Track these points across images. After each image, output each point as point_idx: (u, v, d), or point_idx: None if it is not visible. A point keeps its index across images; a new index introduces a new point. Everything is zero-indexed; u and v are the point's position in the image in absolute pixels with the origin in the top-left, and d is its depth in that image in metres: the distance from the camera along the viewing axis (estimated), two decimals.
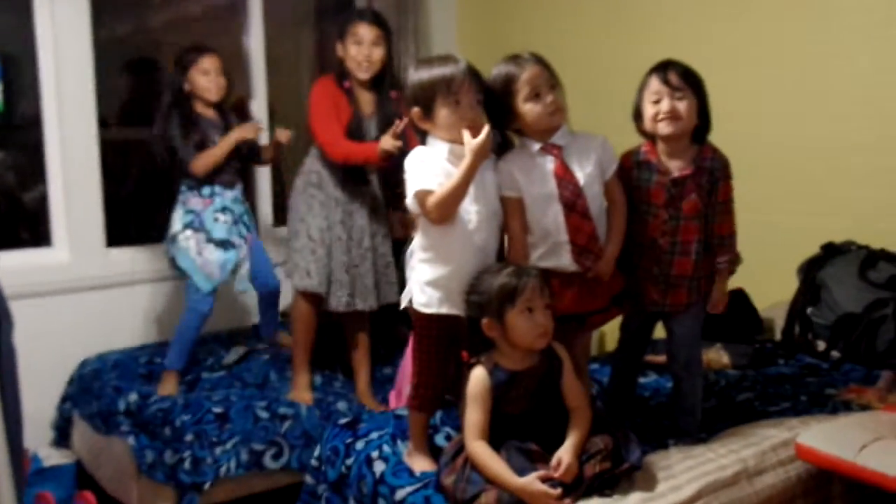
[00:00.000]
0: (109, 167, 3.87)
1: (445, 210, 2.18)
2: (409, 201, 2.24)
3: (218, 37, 4.46)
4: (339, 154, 3.27)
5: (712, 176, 2.38)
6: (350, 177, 3.37)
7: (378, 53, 3.30)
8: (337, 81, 3.33)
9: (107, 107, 3.93)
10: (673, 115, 2.35)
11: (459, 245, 2.23)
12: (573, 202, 2.27)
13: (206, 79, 3.41)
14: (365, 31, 3.26)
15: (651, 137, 2.44)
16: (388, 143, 3.10)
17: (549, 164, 2.29)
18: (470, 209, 2.23)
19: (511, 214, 2.34)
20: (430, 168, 2.21)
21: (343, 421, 2.65)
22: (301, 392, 3.36)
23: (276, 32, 4.36)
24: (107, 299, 3.81)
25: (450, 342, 2.31)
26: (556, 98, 2.29)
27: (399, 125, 3.08)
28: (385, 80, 3.37)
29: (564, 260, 2.30)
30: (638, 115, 2.44)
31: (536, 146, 2.31)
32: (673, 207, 2.38)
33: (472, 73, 2.24)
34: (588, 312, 2.37)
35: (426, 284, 2.27)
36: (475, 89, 2.23)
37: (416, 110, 2.26)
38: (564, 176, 2.28)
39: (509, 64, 2.31)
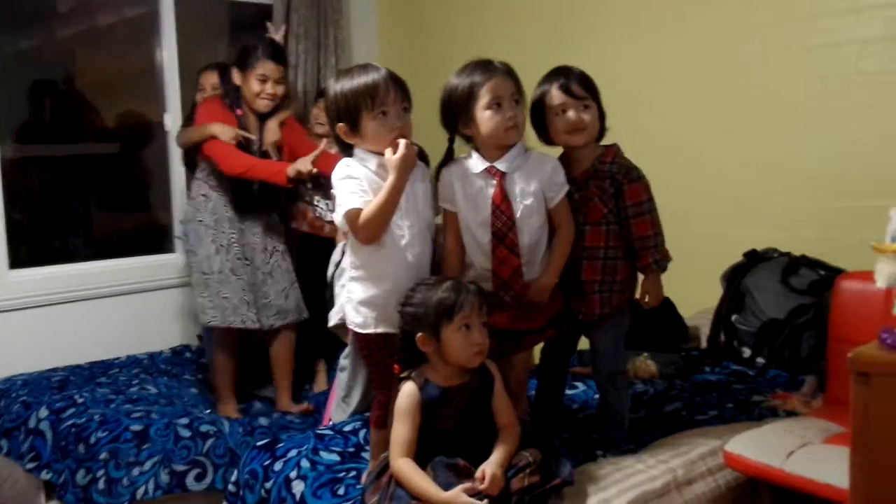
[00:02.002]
0: (10, 187, 3.71)
1: (375, 229, 2.09)
2: (338, 220, 2.14)
3: (131, 50, 4.35)
4: (237, 167, 3.25)
5: (614, 179, 2.32)
6: (240, 197, 3.37)
7: (280, 90, 3.37)
8: (227, 105, 3.36)
9: (12, 123, 3.78)
10: (581, 126, 2.32)
11: (393, 262, 2.14)
12: (504, 234, 2.20)
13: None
14: (271, 70, 3.31)
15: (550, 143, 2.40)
16: (305, 165, 3.10)
17: (490, 188, 2.22)
18: (402, 224, 2.14)
19: (447, 228, 2.28)
20: (358, 184, 2.11)
21: (261, 442, 2.55)
22: (227, 408, 3.35)
23: (191, 45, 4.24)
24: (9, 323, 3.64)
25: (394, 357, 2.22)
26: (516, 114, 2.20)
27: (319, 149, 3.14)
28: (275, 111, 3.42)
29: (488, 287, 2.23)
30: (541, 125, 2.38)
31: (481, 167, 2.23)
32: (578, 213, 2.32)
33: (395, 80, 2.14)
34: (523, 332, 2.31)
35: (360, 304, 2.19)
36: (400, 97, 2.14)
37: (341, 126, 2.15)
38: (501, 205, 2.20)
39: (477, 68, 2.22)
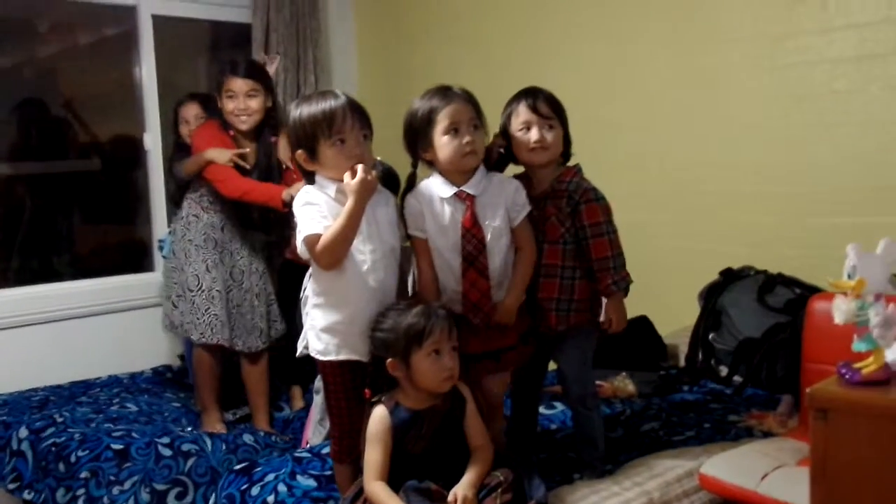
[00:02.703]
0: None
1: (334, 255, 2.08)
2: (299, 246, 2.14)
3: (110, 67, 4.34)
4: (236, 190, 3.26)
5: (571, 199, 2.33)
6: (237, 218, 3.38)
7: (255, 104, 3.32)
8: (221, 127, 3.36)
9: None
10: (544, 145, 2.33)
11: (354, 288, 2.13)
12: (475, 257, 2.21)
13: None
14: (238, 85, 3.30)
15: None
16: (297, 190, 3.09)
17: (459, 213, 2.22)
18: (363, 249, 2.13)
19: (419, 254, 2.28)
20: (318, 210, 2.11)
21: (238, 467, 2.55)
22: (212, 421, 3.35)
23: (170, 63, 4.24)
24: None
25: (360, 385, 2.20)
26: (474, 139, 2.20)
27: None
28: (265, 128, 3.39)
29: (458, 309, 2.24)
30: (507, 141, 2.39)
31: (449, 192, 2.23)
32: (538, 231, 2.33)
33: (354, 108, 2.14)
34: (499, 350, 2.30)
35: (321, 331, 2.18)
36: (359, 124, 2.13)
37: (300, 153, 2.15)
38: (472, 228, 2.21)
39: (436, 94, 2.23)
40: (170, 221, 4.14)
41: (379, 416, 2.09)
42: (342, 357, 2.16)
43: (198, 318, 3.32)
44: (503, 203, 2.24)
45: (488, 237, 2.21)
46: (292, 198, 3.12)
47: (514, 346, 2.32)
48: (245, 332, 3.40)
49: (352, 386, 2.19)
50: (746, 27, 3.36)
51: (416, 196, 2.27)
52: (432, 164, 2.28)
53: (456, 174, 2.23)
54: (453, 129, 2.18)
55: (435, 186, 2.26)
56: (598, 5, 3.83)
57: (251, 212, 3.42)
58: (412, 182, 2.32)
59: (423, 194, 2.27)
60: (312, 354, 2.22)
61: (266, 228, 3.53)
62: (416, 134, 2.24)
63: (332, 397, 2.24)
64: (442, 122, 2.19)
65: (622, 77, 3.74)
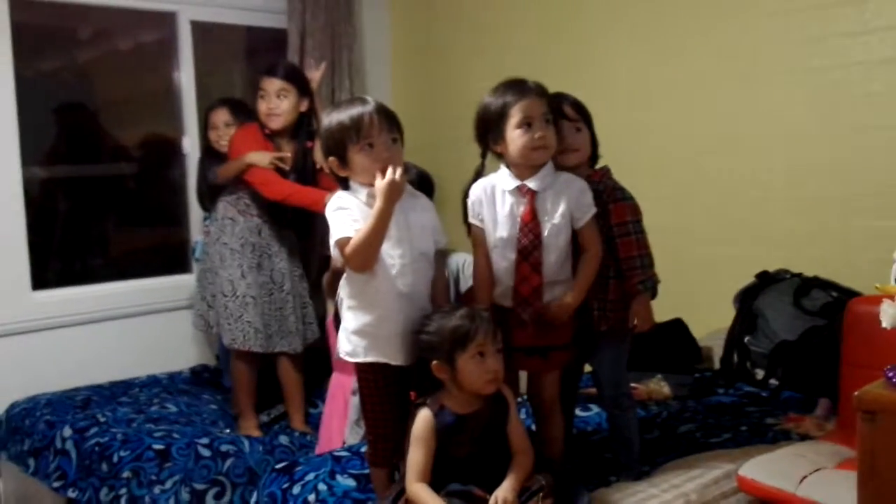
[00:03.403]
0: (35, 207, 3.78)
1: (363, 257, 2.10)
2: (332, 250, 2.17)
3: (148, 73, 4.41)
4: (279, 193, 3.30)
5: (600, 199, 2.34)
6: (274, 220, 3.42)
7: (285, 105, 3.37)
8: (260, 130, 3.40)
9: (33, 145, 3.83)
10: (572, 147, 2.36)
11: (383, 291, 2.16)
12: (529, 252, 2.23)
13: None
14: (269, 85, 3.35)
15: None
16: None
17: (520, 206, 2.24)
18: (392, 254, 2.15)
19: (476, 244, 2.31)
20: (349, 214, 2.14)
21: (279, 465, 2.58)
22: (249, 426, 3.39)
23: (208, 69, 4.30)
24: (32, 343, 3.69)
25: (395, 389, 2.22)
26: (546, 134, 2.21)
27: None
28: (301, 130, 3.44)
29: (509, 303, 2.26)
30: None
31: (512, 184, 2.25)
32: None
33: (382, 112, 2.17)
34: (549, 347, 2.30)
35: (352, 333, 2.21)
36: (387, 128, 2.16)
37: (332, 160, 2.19)
38: (530, 223, 2.22)
39: (511, 88, 2.25)
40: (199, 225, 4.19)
41: (424, 417, 2.11)
42: (370, 359, 2.19)
43: (230, 324, 3.37)
44: (566, 201, 2.24)
45: (545, 233, 2.23)
46: None
47: (564, 345, 2.33)
48: (288, 332, 3.44)
49: (384, 390, 2.21)
50: (781, 29, 3.35)
51: (480, 185, 2.31)
52: (501, 157, 2.30)
53: (524, 168, 2.25)
54: (526, 124, 2.20)
55: (500, 178, 2.29)
56: (629, 12, 3.84)
57: (286, 214, 3.45)
58: (479, 173, 2.35)
59: (487, 185, 2.30)
60: (341, 355, 2.26)
61: (301, 230, 3.57)
62: (488, 126, 2.27)
63: (366, 400, 2.27)
64: (515, 115, 2.21)
65: (655, 81, 3.74)
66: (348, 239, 2.10)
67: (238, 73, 4.84)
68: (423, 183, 2.90)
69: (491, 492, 2.05)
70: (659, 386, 3.12)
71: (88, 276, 4.11)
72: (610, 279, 2.37)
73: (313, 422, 3.53)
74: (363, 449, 2.61)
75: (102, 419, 3.25)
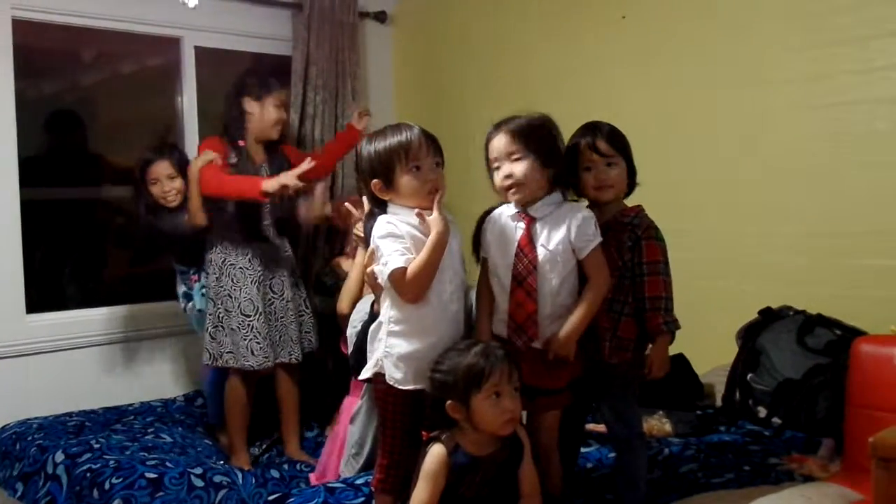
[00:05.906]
0: (31, 229, 3.75)
1: (421, 288, 2.12)
2: (382, 280, 2.15)
3: (152, 97, 4.40)
4: (210, 186, 3.29)
5: (633, 233, 2.33)
6: (248, 234, 3.42)
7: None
8: (226, 139, 3.42)
9: (32, 166, 3.81)
10: (608, 183, 2.36)
11: (436, 317, 2.16)
12: (523, 278, 2.21)
13: None
14: (286, 96, 3.51)
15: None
16: (290, 179, 3.16)
17: (518, 231, 2.25)
18: (443, 279, 2.16)
19: (481, 271, 2.33)
20: (402, 243, 2.13)
21: (272, 497, 2.53)
22: (240, 459, 3.38)
23: (211, 92, 4.29)
24: (25, 367, 3.66)
25: (421, 417, 2.21)
26: (512, 172, 2.23)
27: (303, 166, 3.18)
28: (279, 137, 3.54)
29: (505, 332, 2.24)
30: (574, 177, 2.39)
31: (514, 210, 2.27)
32: None
33: (427, 137, 2.21)
34: (539, 390, 2.26)
35: (400, 359, 2.17)
36: (433, 152, 2.19)
37: (375, 182, 2.19)
38: (525, 248, 2.22)
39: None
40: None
41: (437, 454, 2.06)
42: (419, 386, 2.16)
43: (241, 342, 3.35)
44: (565, 230, 2.22)
45: (539, 259, 2.21)
46: (283, 186, 3.18)
47: (558, 390, 2.29)
48: (290, 342, 3.47)
49: (410, 417, 2.20)
50: (786, 68, 3.35)
51: (489, 215, 2.34)
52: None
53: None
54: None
55: (505, 206, 2.32)
56: (633, 44, 3.85)
57: (259, 223, 3.45)
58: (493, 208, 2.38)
59: (497, 212, 2.33)
60: (389, 383, 2.19)
61: (292, 241, 3.64)
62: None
63: (390, 426, 2.24)
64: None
65: (660, 118, 3.73)
66: (403, 270, 2.09)
67: None
68: None
69: None
70: (660, 423, 3.08)
71: (83, 300, 4.08)
72: (623, 316, 2.34)
73: (307, 446, 3.49)
74: (358, 480, 2.57)
75: (96, 445, 3.19)
